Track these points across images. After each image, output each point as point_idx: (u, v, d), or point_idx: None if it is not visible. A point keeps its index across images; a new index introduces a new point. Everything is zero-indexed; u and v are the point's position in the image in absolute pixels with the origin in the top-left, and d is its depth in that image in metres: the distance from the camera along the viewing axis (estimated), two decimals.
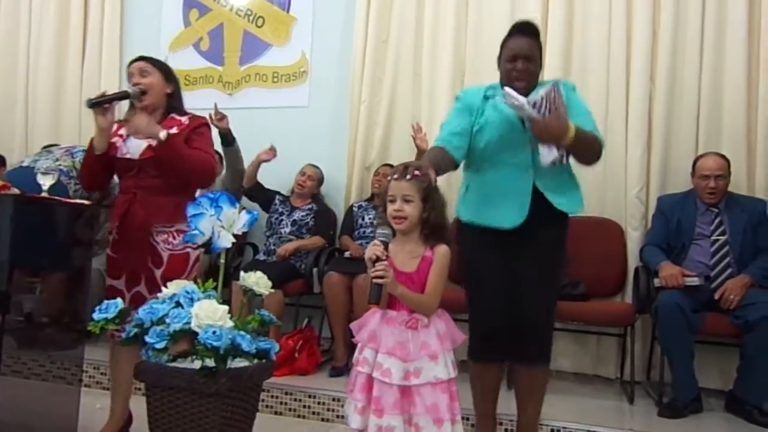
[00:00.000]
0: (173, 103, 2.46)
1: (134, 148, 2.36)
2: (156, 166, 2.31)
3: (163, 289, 2.24)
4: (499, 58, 2.30)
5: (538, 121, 2.07)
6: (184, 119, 2.44)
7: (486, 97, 2.28)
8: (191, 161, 2.30)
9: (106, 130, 2.32)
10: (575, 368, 3.63)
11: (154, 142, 2.30)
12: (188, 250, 2.35)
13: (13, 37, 4.91)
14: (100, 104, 2.29)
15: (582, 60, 3.70)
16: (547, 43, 3.69)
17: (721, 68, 3.47)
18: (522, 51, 2.22)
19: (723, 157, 3.20)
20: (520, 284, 2.21)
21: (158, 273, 2.30)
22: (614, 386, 3.45)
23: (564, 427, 2.68)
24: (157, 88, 2.40)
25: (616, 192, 3.60)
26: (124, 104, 2.48)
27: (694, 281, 2.98)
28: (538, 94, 2.11)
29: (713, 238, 3.14)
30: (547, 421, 2.67)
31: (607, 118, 3.61)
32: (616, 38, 3.62)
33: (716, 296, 2.96)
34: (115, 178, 2.52)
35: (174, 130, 2.36)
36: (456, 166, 2.26)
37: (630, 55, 3.59)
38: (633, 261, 3.49)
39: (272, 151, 3.91)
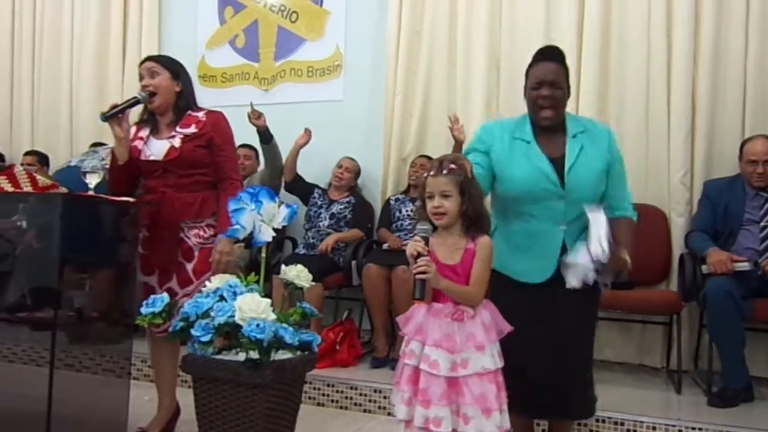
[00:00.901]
0: (182, 100, 2.48)
1: (157, 149, 2.41)
2: (180, 166, 2.37)
3: (194, 282, 2.30)
4: (525, 87, 2.16)
5: (604, 275, 2.01)
6: (201, 115, 2.47)
7: (514, 138, 2.13)
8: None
9: (124, 138, 2.38)
10: (619, 358, 3.57)
11: (177, 143, 2.38)
12: None
13: (56, 41, 5.05)
14: (114, 116, 2.34)
15: (621, 41, 3.61)
16: (585, 23, 3.62)
17: (766, 49, 3.35)
18: (547, 77, 2.08)
19: None
20: (552, 337, 2.07)
21: (189, 267, 2.36)
22: (660, 376, 3.39)
23: (609, 417, 2.64)
24: (166, 88, 2.44)
25: (658, 178, 3.51)
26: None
27: (744, 266, 2.90)
28: (600, 249, 1.95)
29: (762, 223, 3.05)
30: None
31: (649, 102, 3.53)
32: (656, 19, 3.52)
33: (761, 271, 2.89)
34: None
35: (193, 129, 2.41)
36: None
37: (671, 37, 3.49)
38: (678, 248, 3.41)
39: (307, 134, 3.91)
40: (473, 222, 1.85)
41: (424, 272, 1.72)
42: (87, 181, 2.39)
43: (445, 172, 1.83)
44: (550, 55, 2.15)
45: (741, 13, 3.38)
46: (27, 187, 2.22)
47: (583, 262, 1.96)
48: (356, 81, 4.32)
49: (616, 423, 2.63)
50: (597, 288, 2.14)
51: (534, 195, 2.07)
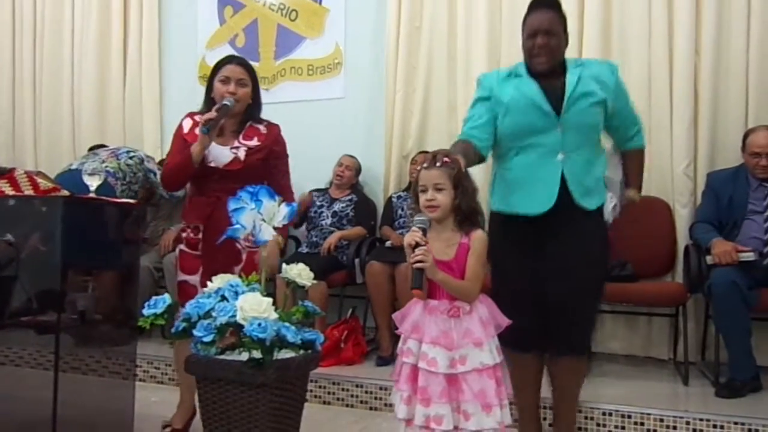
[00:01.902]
0: (253, 111, 2.50)
1: (219, 157, 2.40)
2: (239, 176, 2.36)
3: None
4: (522, 38, 2.20)
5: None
6: (262, 128, 2.49)
7: (509, 75, 2.19)
8: None
9: (208, 146, 2.36)
10: (626, 350, 3.56)
11: (242, 156, 2.39)
12: None
13: (57, 42, 5.05)
14: (215, 126, 2.32)
15: (622, 31, 3.59)
16: (586, 12, 3.60)
17: None
18: (541, 26, 2.10)
19: None
20: (548, 273, 2.10)
21: (237, 269, 2.35)
22: (667, 368, 3.37)
23: (616, 410, 2.63)
24: (246, 100, 2.44)
25: (662, 169, 3.49)
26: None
27: (749, 256, 2.88)
28: (618, 183, 2.22)
29: (767, 214, 3.03)
30: (598, 405, 2.63)
31: (651, 91, 3.51)
32: (657, 8, 3.49)
33: (766, 260, 2.88)
34: None
35: (256, 141, 2.44)
36: (482, 160, 2.17)
37: (673, 26, 3.47)
38: (682, 239, 3.39)
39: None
40: (466, 216, 1.84)
41: (421, 261, 1.72)
42: (87, 183, 2.40)
43: (438, 164, 1.82)
44: (546, 3, 2.16)
45: (743, 1, 3.36)
46: (28, 191, 2.23)
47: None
48: (356, 78, 4.31)
49: (623, 416, 2.62)
50: (602, 226, 2.21)
51: (530, 125, 2.10)
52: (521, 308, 2.01)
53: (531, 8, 2.18)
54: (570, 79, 2.12)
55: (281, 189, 2.37)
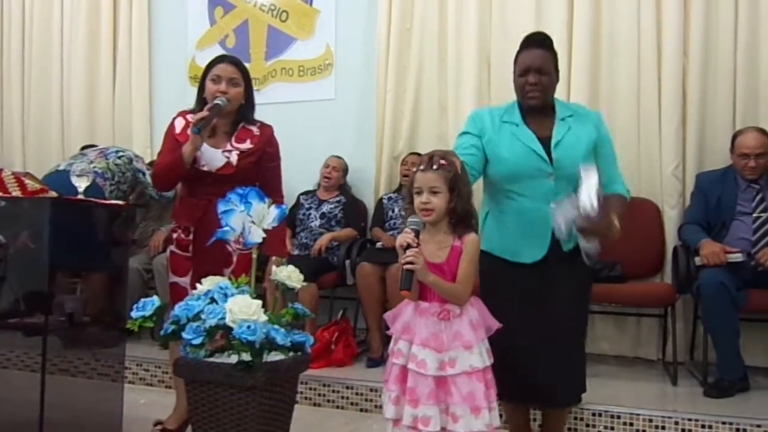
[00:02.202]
0: (246, 112, 2.47)
1: (211, 161, 2.37)
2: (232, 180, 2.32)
3: None
4: (514, 74, 2.19)
5: (589, 235, 1.97)
6: (255, 129, 2.46)
7: (503, 121, 2.17)
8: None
9: (200, 146, 2.33)
10: (615, 351, 3.58)
11: (234, 160, 2.37)
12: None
13: (46, 42, 5.02)
14: (206, 126, 2.29)
15: (611, 33, 3.61)
16: (575, 15, 3.62)
17: (756, 39, 3.36)
18: (534, 63, 2.11)
19: (763, 132, 3.09)
20: (544, 320, 2.08)
21: (227, 272, 2.33)
22: (656, 368, 3.39)
23: (605, 411, 2.64)
24: (238, 100, 2.41)
25: (651, 170, 3.51)
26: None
27: (737, 257, 2.90)
28: (589, 202, 1.89)
29: (755, 215, 3.05)
30: (588, 405, 2.64)
31: (640, 93, 3.53)
32: (646, 11, 3.52)
33: (753, 261, 2.90)
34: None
35: (248, 144, 2.41)
36: None
37: (661, 28, 3.49)
38: (671, 240, 3.41)
39: None
40: (461, 219, 1.84)
41: (412, 263, 1.71)
42: (76, 184, 2.38)
43: (434, 167, 1.81)
44: (537, 41, 2.18)
45: (730, 3, 3.38)
46: (15, 192, 2.21)
47: (570, 208, 1.91)
48: (347, 79, 4.30)
49: (612, 416, 2.63)
50: (588, 269, 2.16)
51: (523, 173, 2.10)
52: (517, 357, 1.99)
53: (523, 46, 2.19)
54: (558, 131, 2.12)
55: (272, 192, 2.34)
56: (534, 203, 2.10)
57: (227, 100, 2.35)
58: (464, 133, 2.22)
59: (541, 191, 2.09)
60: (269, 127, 2.52)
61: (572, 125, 2.14)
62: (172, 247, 2.47)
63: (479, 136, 2.17)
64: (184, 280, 2.40)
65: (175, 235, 2.46)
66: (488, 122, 2.18)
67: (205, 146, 2.36)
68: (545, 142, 2.11)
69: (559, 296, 2.09)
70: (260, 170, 2.46)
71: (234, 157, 2.39)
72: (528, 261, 2.10)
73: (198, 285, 2.19)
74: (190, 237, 2.41)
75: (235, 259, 2.39)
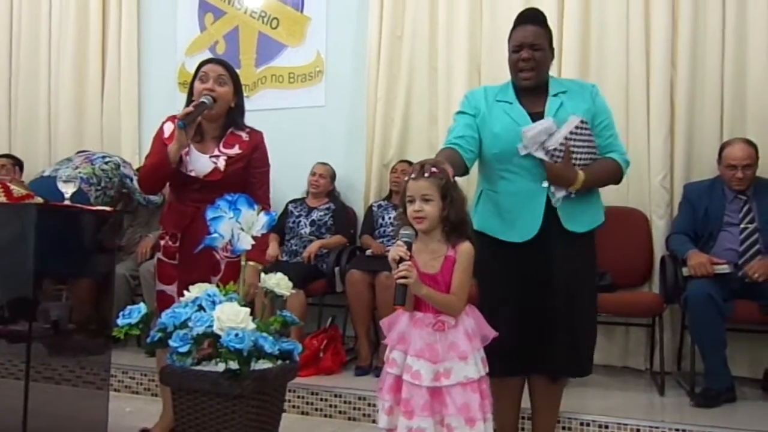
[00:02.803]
0: (235, 116, 2.43)
1: (200, 167, 2.34)
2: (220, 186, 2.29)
3: None
4: (508, 52, 2.20)
5: (549, 166, 2.05)
6: (244, 135, 2.42)
7: (496, 100, 2.19)
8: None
9: (186, 144, 2.30)
10: (603, 360, 3.57)
11: (221, 166, 2.33)
12: None
13: (34, 47, 4.98)
14: (191, 123, 2.26)
15: (600, 44, 3.64)
16: (564, 26, 3.64)
17: (744, 52, 3.39)
18: (526, 39, 2.12)
19: (750, 143, 3.12)
20: (533, 296, 2.10)
21: (214, 280, 2.29)
22: (644, 378, 3.40)
23: (593, 421, 2.64)
24: (226, 100, 2.37)
25: (639, 180, 3.53)
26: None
27: (724, 269, 2.92)
28: (559, 134, 2.03)
29: (742, 226, 3.07)
30: (576, 415, 2.64)
31: (628, 104, 3.56)
32: (634, 22, 3.55)
33: (741, 273, 2.92)
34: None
35: (237, 149, 2.37)
36: (466, 172, 2.14)
37: (649, 40, 3.53)
38: (659, 250, 3.43)
39: None
40: (454, 227, 1.83)
41: (405, 277, 1.70)
42: (62, 190, 2.36)
43: (426, 175, 1.80)
44: (531, 17, 2.18)
45: (717, 15, 3.42)
46: (1, 198, 2.19)
47: (541, 132, 2.03)
48: (338, 87, 4.30)
49: (600, 426, 2.63)
50: (591, 246, 2.19)
51: (514, 150, 2.10)
52: (508, 332, 1.98)
53: (517, 22, 2.20)
54: (550, 107, 2.14)
55: (258, 199, 2.27)
56: (525, 182, 2.11)
57: (213, 98, 2.32)
58: (459, 112, 2.24)
59: (532, 170, 2.10)
60: (259, 133, 2.49)
61: (565, 101, 2.15)
62: (159, 255, 2.44)
63: (474, 115, 2.18)
64: (171, 289, 2.37)
65: (162, 242, 2.42)
66: (482, 101, 2.20)
67: (192, 151, 2.34)
68: (537, 117, 2.12)
69: (558, 273, 2.09)
70: (248, 176, 2.43)
71: (222, 163, 2.36)
72: (519, 240, 2.10)
73: (186, 293, 2.19)
74: (177, 244, 2.38)
75: (223, 267, 2.36)
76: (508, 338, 1.96)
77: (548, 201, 2.11)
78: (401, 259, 1.72)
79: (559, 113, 2.12)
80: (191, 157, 2.35)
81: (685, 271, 3.00)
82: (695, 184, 3.31)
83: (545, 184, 2.09)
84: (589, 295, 2.24)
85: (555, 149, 2.05)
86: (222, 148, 2.39)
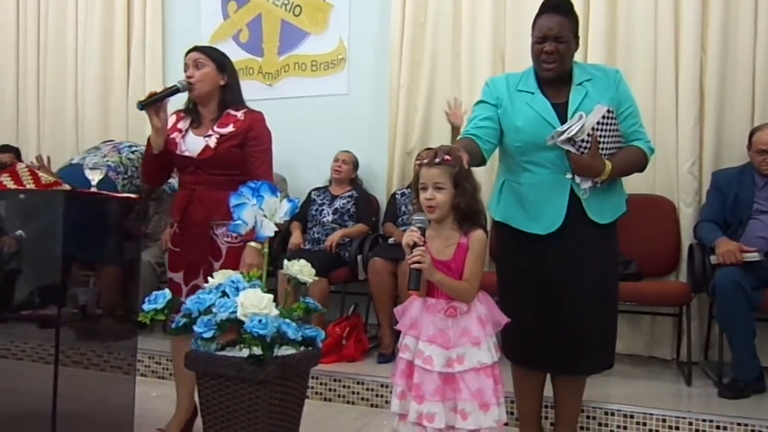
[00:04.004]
0: (227, 95, 2.42)
1: (193, 146, 2.37)
2: (214, 165, 2.33)
3: None
4: (531, 39, 2.16)
5: (576, 157, 2.01)
6: (240, 114, 2.41)
7: (518, 89, 2.15)
8: None
9: (161, 129, 2.32)
10: (629, 350, 3.54)
11: (212, 144, 2.34)
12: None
13: (61, 37, 5.05)
14: (152, 104, 2.28)
15: (628, 26, 3.56)
16: (591, 8, 3.57)
17: None
18: (551, 31, 2.07)
19: None
20: (557, 290, 2.07)
21: (217, 266, 2.32)
22: (670, 367, 3.36)
23: (618, 410, 2.61)
24: (210, 80, 2.38)
25: (666, 167, 3.47)
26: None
27: (754, 256, 2.86)
28: (581, 122, 1.98)
29: None
30: (601, 404, 2.62)
31: (656, 89, 3.49)
32: (663, 5, 3.47)
33: None
34: None
35: (230, 128, 2.36)
36: (483, 162, 2.11)
37: (678, 22, 3.44)
38: (686, 238, 3.37)
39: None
40: (465, 216, 1.82)
41: (419, 263, 1.70)
42: (89, 177, 2.39)
43: (437, 161, 1.79)
44: (556, 6, 2.12)
45: None
46: (30, 185, 2.22)
47: (574, 124, 2.00)
48: (360, 74, 4.29)
49: (625, 415, 2.60)
50: (613, 237, 2.15)
51: (537, 143, 2.07)
52: (530, 327, 1.98)
53: (542, 10, 2.14)
54: (574, 98, 2.10)
55: (257, 178, 2.22)
56: (549, 173, 2.08)
57: (189, 82, 2.35)
58: (480, 101, 2.20)
59: (556, 161, 2.07)
60: (257, 113, 2.45)
61: (590, 90, 2.11)
62: (168, 244, 2.48)
63: (495, 105, 2.15)
64: (179, 276, 2.40)
65: (171, 231, 2.46)
66: (504, 91, 2.16)
67: (188, 134, 2.38)
68: (561, 108, 2.08)
69: (581, 265, 2.06)
70: (246, 156, 2.38)
71: (213, 141, 2.35)
72: (542, 232, 2.08)
73: (193, 280, 2.24)
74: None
75: (224, 251, 2.36)
76: (529, 332, 1.95)
77: (572, 192, 2.08)
78: (415, 245, 1.72)
79: (583, 104, 2.08)
80: (186, 139, 2.38)
81: (713, 259, 2.95)
82: (724, 171, 3.24)
83: (569, 176, 2.06)
84: (612, 287, 2.21)
85: (582, 140, 2.02)
86: (216, 128, 2.39)
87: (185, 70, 2.40)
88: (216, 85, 2.40)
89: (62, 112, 5.02)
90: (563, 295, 2.07)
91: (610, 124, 2.06)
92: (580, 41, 3.45)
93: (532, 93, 2.12)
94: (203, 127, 2.41)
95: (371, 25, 4.27)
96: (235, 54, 4.56)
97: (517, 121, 2.10)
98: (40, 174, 2.24)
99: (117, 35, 4.89)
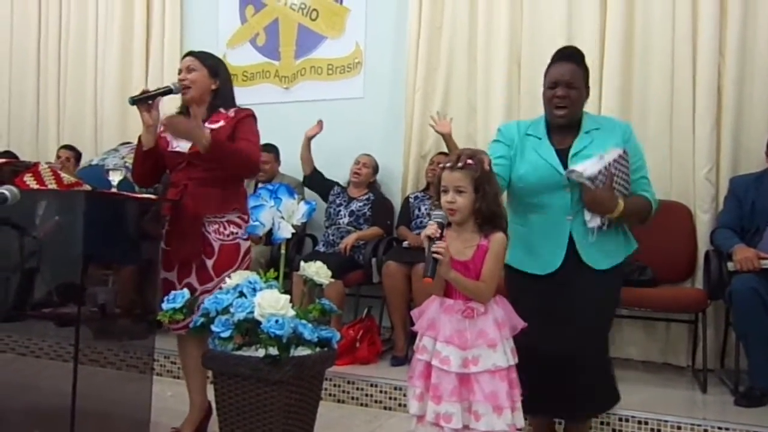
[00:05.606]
0: (217, 99, 2.48)
1: (184, 141, 2.40)
2: (205, 159, 2.35)
3: (215, 279, 2.30)
4: (543, 87, 2.19)
5: (590, 191, 2.02)
6: (231, 112, 2.46)
7: (527, 134, 2.19)
8: (237, 157, 2.32)
9: (152, 126, 2.38)
10: (644, 356, 3.52)
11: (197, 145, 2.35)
12: (239, 240, 2.39)
13: (81, 42, 5.14)
14: (143, 101, 2.35)
15: (645, 30, 3.55)
16: (608, 19, 3.57)
17: None
18: (563, 77, 2.12)
19: None
20: (562, 332, 2.05)
21: (210, 263, 2.34)
22: (686, 375, 3.33)
23: (633, 416, 2.60)
24: (201, 84, 2.44)
25: (683, 173, 3.45)
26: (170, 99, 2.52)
27: None
28: (601, 163, 2.01)
29: None
30: (615, 411, 2.60)
31: (673, 94, 3.47)
32: (681, 10, 3.45)
33: None
34: None
35: (221, 123, 2.40)
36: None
37: (696, 26, 3.42)
38: (703, 245, 3.34)
39: (318, 126, 3.94)
40: (486, 219, 1.83)
41: (439, 253, 1.71)
42: (110, 178, 2.42)
43: (460, 165, 1.81)
44: (568, 55, 2.19)
45: None
46: (51, 185, 2.26)
47: (581, 172, 2.01)
48: (376, 78, 4.31)
49: (639, 422, 2.59)
50: (615, 280, 2.16)
51: (540, 186, 2.10)
52: (534, 370, 1.95)
53: (554, 60, 2.20)
54: (578, 144, 2.12)
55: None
56: (551, 216, 2.11)
57: (182, 85, 2.41)
58: (495, 141, 2.25)
59: (558, 204, 2.10)
60: (247, 110, 2.49)
61: (596, 137, 2.13)
62: (161, 243, 2.49)
63: (509, 145, 2.20)
64: (172, 275, 2.42)
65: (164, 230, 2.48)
66: (515, 135, 2.21)
67: None
68: (564, 154, 2.12)
69: (577, 307, 2.06)
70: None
71: None
72: (540, 272, 2.10)
73: (186, 278, 2.26)
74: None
75: (216, 249, 2.37)
76: (535, 376, 1.94)
77: (571, 235, 2.09)
78: (436, 237, 1.74)
79: (585, 150, 2.10)
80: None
81: (730, 266, 2.92)
82: (742, 177, 3.22)
83: (570, 218, 2.09)
84: (601, 332, 2.20)
85: (597, 175, 2.02)
86: (206, 125, 2.42)
87: (179, 74, 2.47)
88: (207, 89, 2.46)
89: (81, 116, 5.10)
90: (557, 339, 2.05)
91: (624, 166, 2.09)
92: (598, 42, 3.51)
93: (540, 138, 2.17)
94: None
95: (387, 29, 4.29)
96: (252, 57, 4.65)
97: (523, 164, 2.15)
98: (62, 174, 2.28)
99: (136, 40, 4.96)
